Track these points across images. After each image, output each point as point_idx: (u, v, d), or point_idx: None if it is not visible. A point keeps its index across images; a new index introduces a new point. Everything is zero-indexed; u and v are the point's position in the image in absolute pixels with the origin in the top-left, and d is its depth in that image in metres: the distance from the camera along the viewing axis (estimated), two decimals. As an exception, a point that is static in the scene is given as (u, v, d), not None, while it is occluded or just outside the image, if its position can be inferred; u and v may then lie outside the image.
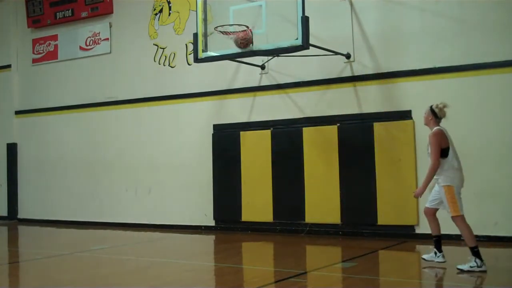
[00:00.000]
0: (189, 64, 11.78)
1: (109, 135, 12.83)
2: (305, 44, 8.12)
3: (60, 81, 13.73)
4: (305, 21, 8.08)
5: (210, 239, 10.61)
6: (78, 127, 13.32)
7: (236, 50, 8.82)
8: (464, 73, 8.90)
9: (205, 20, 9.31)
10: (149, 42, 12.37)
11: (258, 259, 8.62)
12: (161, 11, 12.27)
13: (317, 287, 6.43)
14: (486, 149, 8.70)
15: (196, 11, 9.36)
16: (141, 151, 12.24)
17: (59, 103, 13.64)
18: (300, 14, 8.12)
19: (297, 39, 8.19)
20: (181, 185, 11.60)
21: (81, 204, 13.00)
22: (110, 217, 12.47)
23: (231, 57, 9.25)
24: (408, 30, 9.36)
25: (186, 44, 11.82)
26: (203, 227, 11.26)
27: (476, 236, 6.67)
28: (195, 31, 9.47)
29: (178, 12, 12.04)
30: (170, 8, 12.16)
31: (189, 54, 11.76)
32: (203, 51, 9.20)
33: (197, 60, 9.40)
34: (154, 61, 12.28)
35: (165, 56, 12.14)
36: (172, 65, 12.03)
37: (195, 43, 9.34)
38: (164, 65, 12.15)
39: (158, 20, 12.30)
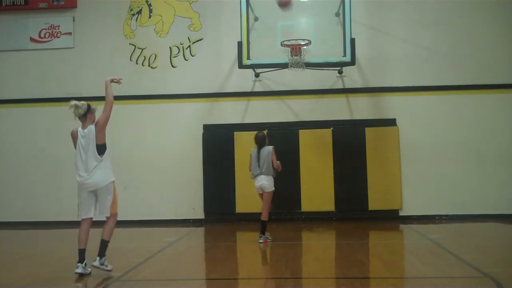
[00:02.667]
0: (173, 67, 12.22)
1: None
2: (353, 61, 9.82)
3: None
4: (353, 42, 9.82)
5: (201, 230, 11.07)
6: (31, 122, 12.38)
7: (281, 60, 10.04)
8: (435, 92, 11.55)
9: (248, 30, 10.21)
10: (124, 41, 12.40)
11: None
12: (139, 12, 12.49)
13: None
14: (451, 147, 11.49)
15: (241, 21, 10.19)
16: (114, 148, 11.93)
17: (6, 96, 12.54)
18: (349, 36, 9.88)
19: (344, 56, 9.79)
20: (164, 182, 11.78)
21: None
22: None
23: (277, 66, 10.33)
24: (392, 56, 11.69)
25: (170, 47, 12.26)
26: (191, 221, 11.59)
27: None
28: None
29: (160, 16, 12.43)
30: (151, 11, 12.48)
31: (174, 57, 12.26)
32: (247, 58, 10.10)
33: (241, 66, 10.22)
34: (131, 60, 12.33)
35: (144, 57, 12.32)
36: (153, 66, 12.27)
37: (239, 51, 10.12)
38: (143, 65, 12.30)
39: (136, 20, 12.46)
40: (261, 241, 8.67)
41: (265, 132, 9.22)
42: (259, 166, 8.65)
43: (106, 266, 6.31)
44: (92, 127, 6.34)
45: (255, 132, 11.38)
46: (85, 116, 6.38)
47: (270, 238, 8.83)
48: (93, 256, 6.35)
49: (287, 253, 7.90)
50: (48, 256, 8.04)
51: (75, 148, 6.43)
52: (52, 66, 12.45)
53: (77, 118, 6.38)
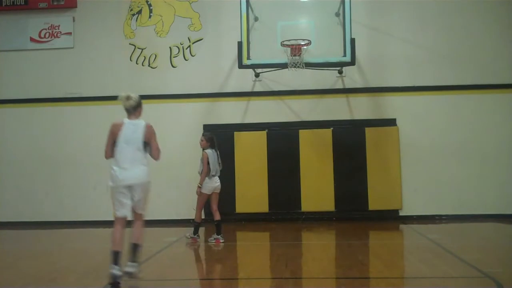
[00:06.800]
0: (173, 67, 12.22)
1: (70, 132, 12.25)
2: (353, 61, 9.84)
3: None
4: (353, 42, 9.83)
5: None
6: (31, 122, 12.42)
7: (281, 60, 10.10)
8: (435, 92, 11.57)
9: (248, 30, 10.20)
10: (124, 41, 12.39)
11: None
12: (139, 12, 12.48)
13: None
14: (451, 147, 11.50)
15: (241, 21, 10.15)
16: (114, 148, 11.97)
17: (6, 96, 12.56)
18: (349, 36, 9.88)
19: (344, 56, 9.81)
20: (164, 182, 11.73)
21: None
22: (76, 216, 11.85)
23: (277, 66, 10.34)
24: (392, 56, 11.70)
25: (170, 47, 12.27)
26: (191, 221, 11.54)
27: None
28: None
29: (160, 16, 12.43)
30: (151, 11, 12.47)
31: (174, 57, 12.26)
32: (247, 58, 10.09)
33: (241, 66, 10.21)
34: (131, 60, 12.33)
35: (144, 57, 12.32)
36: (153, 66, 12.27)
37: (239, 51, 10.10)
38: (143, 65, 12.30)
39: (136, 20, 12.46)
40: (213, 241, 8.82)
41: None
42: (218, 167, 8.79)
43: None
44: (142, 123, 6.08)
45: (255, 132, 11.65)
46: (136, 109, 6.12)
47: (223, 240, 8.85)
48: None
49: (287, 253, 7.89)
50: (48, 256, 8.04)
51: (109, 141, 6.01)
52: (52, 66, 12.45)
53: (126, 109, 6.09)
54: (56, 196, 12.03)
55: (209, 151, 8.74)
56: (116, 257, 5.76)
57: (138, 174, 5.97)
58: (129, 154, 5.96)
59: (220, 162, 8.84)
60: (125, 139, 5.98)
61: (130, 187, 5.95)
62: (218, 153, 8.87)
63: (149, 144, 6.08)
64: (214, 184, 8.77)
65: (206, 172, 8.65)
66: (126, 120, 6.10)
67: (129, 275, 5.86)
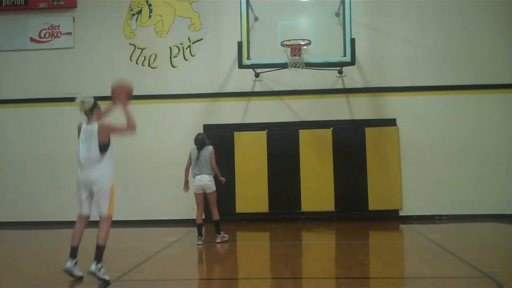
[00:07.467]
0: (173, 67, 12.22)
1: (70, 132, 12.11)
2: (353, 61, 9.86)
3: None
4: (353, 42, 9.83)
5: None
6: (31, 122, 12.43)
7: (281, 60, 10.10)
8: (435, 92, 11.59)
9: (248, 30, 10.19)
10: (124, 41, 12.39)
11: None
12: (139, 12, 12.48)
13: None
14: (451, 147, 11.50)
15: (241, 21, 10.13)
16: (114, 148, 11.94)
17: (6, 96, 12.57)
18: (349, 36, 9.88)
19: (344, 56, 9.82)
20: (164, 182, 11.78)
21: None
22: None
23: (277, 66, 10.35)
24: (392, 56, 11.71)
25: (170, 47, 12.27)
26: (191, 221, 11.56)
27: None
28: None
29: (160, 16, 12.43)
30: (151, 11, 12.47)
31: (174, 57, 12.26)
32: (247, 58, 10.09)
33: (241, 66, 10.20)
34: (131, 60, 12.33)
35: (144, 57, 12.32)
36: (153, 66, 12.27)
37: (239, 51, 10.09)
38: (143, 65, 12.30)
39: (136, 20, 12.45)
40: (218, 240, 8.86)
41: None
42: (201, 166, 8.86)
43: (104, 275, 5.95)
44: (96, 125, 6.17)
45: (255, 132, 11.66)
46: (92, 111, 6.20)
47: (226, 236, 8.98)
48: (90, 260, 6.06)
49: (287, 253, 7.90)
50: (48, 256, 8.04)
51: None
52: (52, 66, 12.46)
53: (83, 113, 6.22)
54: (56, 196, 12.01)
55: (192, 149, 9.07)
56: (71, 252, 6.16)
57: (94, 173, 6.11)
58: (86, 155, 6.15)
59: (201, 162, 8.87)
60: (81, 142, 6.20)
61: (89, 187, 6.16)
62: (205, 153, 8.94)
63: (110, 137, 6.25)
64: (198, 182, 8.87)
65: (186, 169, 9.05)
66: (84, 125, 6.27)
67: (90, 274, 5.96)
